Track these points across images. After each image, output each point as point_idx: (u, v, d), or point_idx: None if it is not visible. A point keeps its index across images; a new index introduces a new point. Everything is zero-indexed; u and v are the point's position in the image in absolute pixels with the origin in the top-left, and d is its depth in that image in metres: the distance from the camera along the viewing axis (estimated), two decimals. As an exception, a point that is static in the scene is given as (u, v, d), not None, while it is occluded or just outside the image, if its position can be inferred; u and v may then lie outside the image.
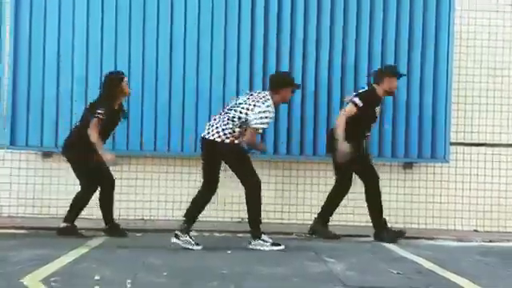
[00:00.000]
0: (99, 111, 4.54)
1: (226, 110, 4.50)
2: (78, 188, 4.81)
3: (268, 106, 4.35)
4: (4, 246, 4.21)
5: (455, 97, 5.86)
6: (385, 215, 5.65)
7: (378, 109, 5.03)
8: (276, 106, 4.55)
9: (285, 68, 5.56)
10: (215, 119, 4.48)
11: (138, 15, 5.59)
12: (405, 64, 5.67)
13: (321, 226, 5.04)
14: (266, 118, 4.34)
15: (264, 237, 4.44)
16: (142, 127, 5.56)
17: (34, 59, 5.53)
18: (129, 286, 3.14)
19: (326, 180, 5.71)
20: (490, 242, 5.32)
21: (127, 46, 5.59)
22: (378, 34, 5.71)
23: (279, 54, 5.64)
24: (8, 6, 5.54)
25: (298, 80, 5.52)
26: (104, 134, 4.71)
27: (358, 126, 4.82)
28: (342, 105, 5.53)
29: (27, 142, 5.53)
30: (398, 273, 3.71)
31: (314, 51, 5.68)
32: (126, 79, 4.78)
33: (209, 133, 4.41)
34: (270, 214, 5.71)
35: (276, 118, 5.35)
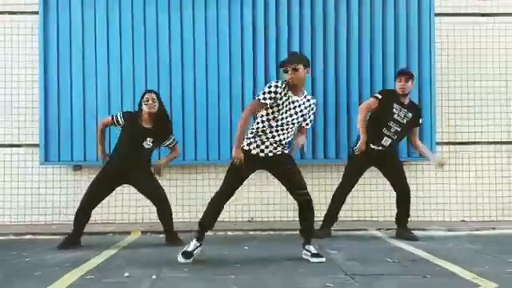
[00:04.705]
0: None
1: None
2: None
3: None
4: (41, 250, 4.29)
5: (439, 100, 5.91)
6: (382, 209, 5.77)
7: (396, 108, 4.66)
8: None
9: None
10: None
11: (151, 38, 5.70)
12: (391, 75, 5.69)
13: (403, 230, 4.83)
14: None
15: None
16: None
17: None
18: (154, 277, 3.21)
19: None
20: (477, 230, 5.33)
21: (143, 65, 5.68)
22: (367, 46, 5.78)
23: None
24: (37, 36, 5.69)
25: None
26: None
27: (377, 122, 4.68)
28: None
29: (59, 158, 5.63)
30: (393, 261, 3.75)
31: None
32: (152, 95, 4.38)
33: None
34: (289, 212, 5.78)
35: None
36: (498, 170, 5.96)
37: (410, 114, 4.73)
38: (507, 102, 5.99)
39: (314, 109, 3.91)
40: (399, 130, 4.73)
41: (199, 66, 5.71)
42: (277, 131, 3.75)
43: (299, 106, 3.77)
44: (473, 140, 5.97)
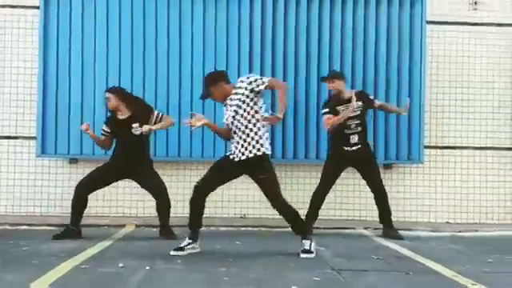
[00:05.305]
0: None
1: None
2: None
3: None
4: (37, 240, 4.36)
5: (428, 106, 6.05)
6: (371, 209, 5.86)
7: (341, 108, 4.80)
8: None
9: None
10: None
11: (150, 34, 5.79)
12: (383, 78, 5.87)
13: (388, 230, 4.94)
14: None
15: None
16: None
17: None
18: (148, 268, 3.30)
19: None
20: (460, 232, 5.47)
21: (141, 61, 5.76)
22: (360, 52, 5.90)
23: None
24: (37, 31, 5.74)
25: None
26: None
27: (338, 127, 4.77)
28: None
29: (56, 150, 5.70)
30: (378, 258, 3.87)
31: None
32: (106, 94, 4.64)
33: None
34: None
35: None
36: (483, 174, 6.11)
37: (359, 103, 4.82)
38: (493, 109, 6.14)
39: (248, 79, 3.86)
40: (358, 122, 4.86)
41: (197, 64, 5.78)
42: (232, 134, 3.94)
43: (230, 102, 3.91)
44: (459, 145, 6.12)
